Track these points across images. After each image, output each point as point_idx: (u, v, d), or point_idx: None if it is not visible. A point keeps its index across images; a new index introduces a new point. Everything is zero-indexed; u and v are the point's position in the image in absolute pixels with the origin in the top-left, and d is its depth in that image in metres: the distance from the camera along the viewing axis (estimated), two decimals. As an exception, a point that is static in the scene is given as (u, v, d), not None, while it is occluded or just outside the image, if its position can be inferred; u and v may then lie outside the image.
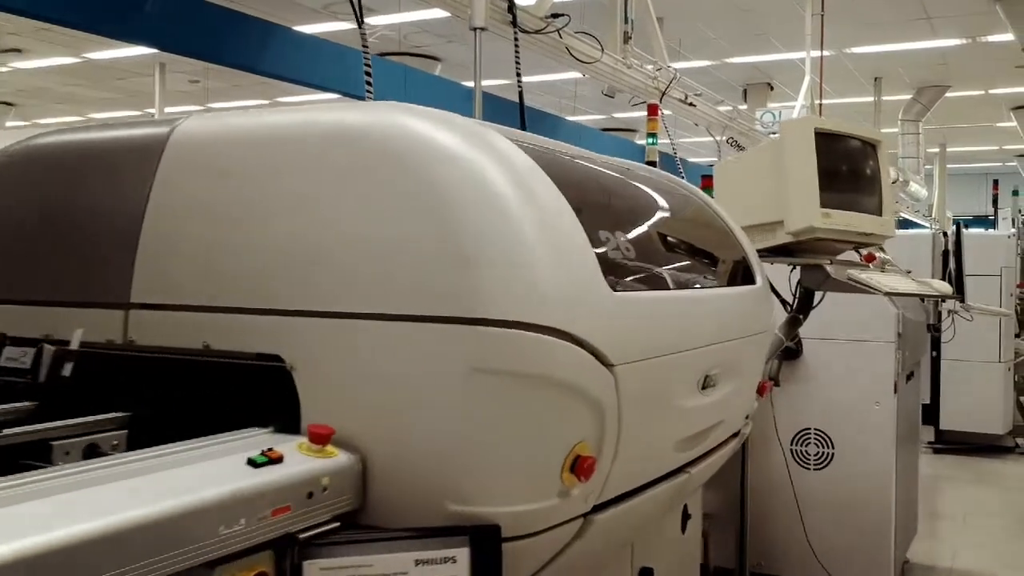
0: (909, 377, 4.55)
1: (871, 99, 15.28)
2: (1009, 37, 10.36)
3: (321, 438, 1.61)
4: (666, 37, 7.47)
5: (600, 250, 1.84)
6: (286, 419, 1.73)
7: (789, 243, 3.17)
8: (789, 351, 4.12)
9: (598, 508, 1.84)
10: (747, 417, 2.75)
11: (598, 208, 2.16)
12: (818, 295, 3.52)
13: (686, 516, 2.75)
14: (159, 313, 1.91)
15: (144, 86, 14.48)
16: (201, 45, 8.58)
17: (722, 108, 8.86)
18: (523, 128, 4.14)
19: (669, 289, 2.12)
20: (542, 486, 1.67)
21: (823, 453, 4.20)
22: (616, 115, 17.68)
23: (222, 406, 1.80)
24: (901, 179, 14.56)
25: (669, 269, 2.20)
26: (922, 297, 4.56)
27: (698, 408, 2.18)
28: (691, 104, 7.40)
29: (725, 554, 4.14)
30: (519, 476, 1.65)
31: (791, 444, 4.24)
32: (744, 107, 13.37)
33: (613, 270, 1.84)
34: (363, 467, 1.65)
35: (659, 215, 2.49)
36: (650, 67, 6.78)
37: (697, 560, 3.01)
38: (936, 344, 7.45)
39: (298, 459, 1.56)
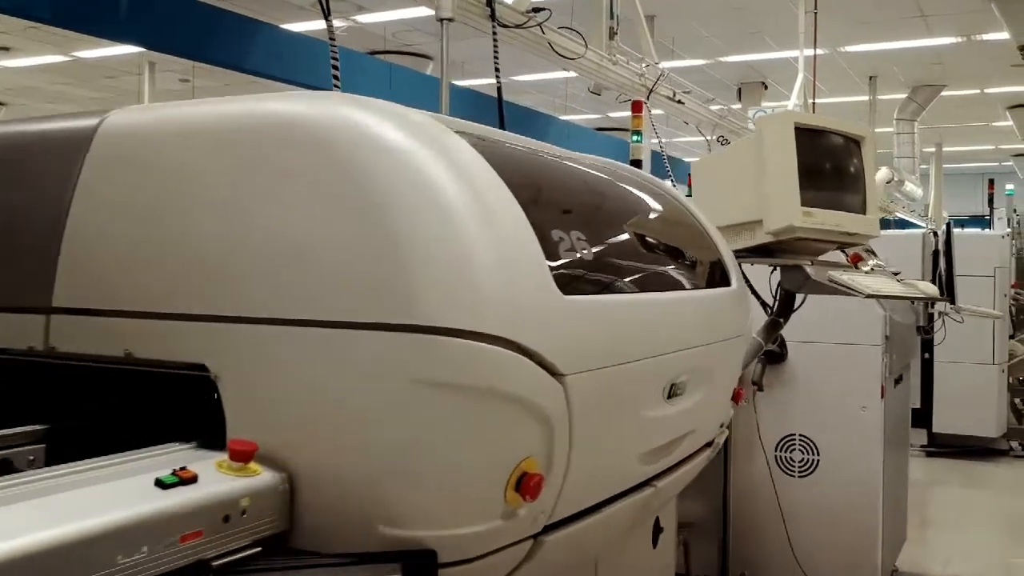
0: (898, 381, 4.43)
1: (866, 98, 15.16)
2: (1005, 36, 10.22)
3: (242, 455, 1.49)
4: (659, 36, 7.38)
5: (552, 252, 1.71)
6: (212, 433, 1.61)
7: (769, 243, 3.04)
8: (773, 355, 4.00)
9: (550, 528, 1.72)
10: (722, 425, 2.63)
11: (557, 208, 2.03)
12: (800, 297, 3.39)
13: (658, 529, 2.63)
14: (82, 318, 1.78)
15: (134, 85, 14.34)
16: (187, 43, 8.46)
17: (714, 107, 8.73)
18: (501, 126, 4.02)
19: (629, 292, 1.99)
20: (483, 507, 1.54)
21: (808, 460, 4.08)
22: (611, 115, 17.53)
23: (146, 419, 1.69)
24: (896, 179, 14.43)
25: (632, 271, 2.07)
26: (911, 299, 4.43)
27: (664, 418, 2.06)
28: (679, 102, 7.27)
29: (707, 564, 4.03)
30: (457, 496, 1.53)
31: (775, 450, 4.12)
32: (738, 106, 13.24)
33: (567, 273, 1.72)
34: (290, 487, 1.53)
35: (625, 215, 2.37)
36: (637, 64, 6.66)
37: (672, 574, 2.88)
38: (928, 346, 7.33)
39: (215, 479, 1.44)
